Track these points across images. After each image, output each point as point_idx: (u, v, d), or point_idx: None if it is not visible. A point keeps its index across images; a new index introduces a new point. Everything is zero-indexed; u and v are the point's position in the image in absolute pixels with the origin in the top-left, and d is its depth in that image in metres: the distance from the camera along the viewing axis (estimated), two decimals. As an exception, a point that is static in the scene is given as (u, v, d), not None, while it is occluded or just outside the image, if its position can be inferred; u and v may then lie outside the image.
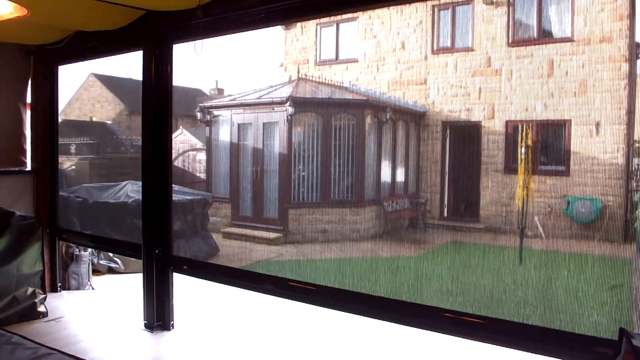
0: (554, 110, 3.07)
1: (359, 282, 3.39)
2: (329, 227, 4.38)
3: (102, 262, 6.02)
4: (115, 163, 6.56)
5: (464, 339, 2.94)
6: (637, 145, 2.84)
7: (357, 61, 4.18)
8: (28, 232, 4.41)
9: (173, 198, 4.33)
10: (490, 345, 2.85)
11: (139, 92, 4.30)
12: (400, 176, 4.18)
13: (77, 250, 5.39)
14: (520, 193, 3.22)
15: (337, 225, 4.37)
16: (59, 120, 5.32)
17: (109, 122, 7.21)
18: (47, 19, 4.07)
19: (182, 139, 5.82)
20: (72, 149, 6.17)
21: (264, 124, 4.88)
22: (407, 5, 3.66)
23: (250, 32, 3.95)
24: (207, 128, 5.35)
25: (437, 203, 3.85)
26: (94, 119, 7.47)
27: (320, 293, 3.43)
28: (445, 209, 3.87)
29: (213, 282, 4.26)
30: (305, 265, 4.22)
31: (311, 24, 4.55)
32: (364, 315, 3.30)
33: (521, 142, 3.33)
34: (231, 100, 5.33)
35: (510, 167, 3.44)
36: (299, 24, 4.61)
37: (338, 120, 4.39)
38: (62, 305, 4.81)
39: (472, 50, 3.53)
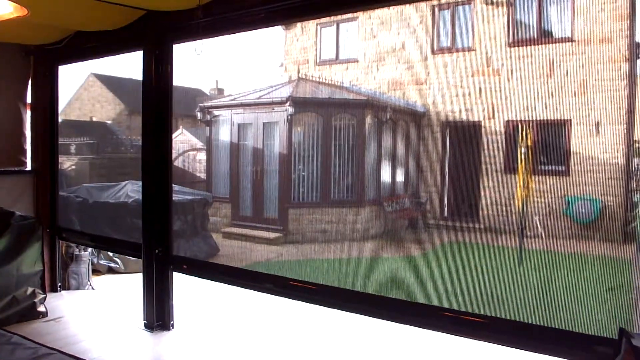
0: (554, 110, 3.07)
1: (359, 281, 3.40)
2: (329, 227, 4.38)
3: (102, 262, 6.02)
4: (115, 163, 6.56)
5: (464, 338, 2.94)
6: (637, 145, 2.84)
7: (357, 61, 4.18)
8: (28, 232, 4.41)
9: (173, 198, 4.33)
10: (490, 344, 2.85)
11: (139, 92, 4.30)
12: (400, 176, 4.18)
13: (77, 250, 5.39)
14: (520, 193, 3.22)
15: (337, 225, 4.37)
16: (59, 120, 5.32)
17: (109, 122, 7.21)
18: (47, 19, 4.07)
19: (182, 139, 5.81)
20: (72, 149, 6.17)
21: (264, 123, 4.88)
22: (407, 5, 3.67)
23: (250, 32, 3.95)
24: (207, 128, 5.35)
25: (437, 203, 3.85)
26: (94, 119, 7.47)
27: (320, 292, 3.43)
28: (445, 209, 3.88)
29: (213, 282, 4.26)
30: (305, 265, 4.22)
31: (311, 24, 4.55)
32: (364, 314, 3.30)
33: (521, 142, 3.33)
34: (231, 100, 5.33)
35: (510, 167, 3.44)
36: (299, 24, 4.61)
37: (338, 120, 4.39)
38: (61, 305, 4.81)
39: (472, 50, 3.54)
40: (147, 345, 4.02)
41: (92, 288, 5.41)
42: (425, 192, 3.92)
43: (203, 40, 3.87)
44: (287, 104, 4.68)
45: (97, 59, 5.12)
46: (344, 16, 4.10)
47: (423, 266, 3.36)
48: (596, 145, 2.97)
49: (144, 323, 4.23)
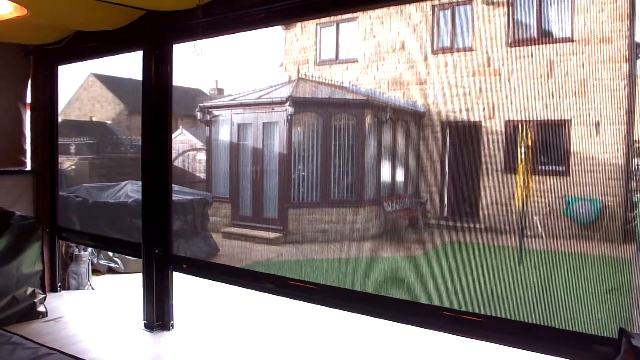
0: (554, 110, 3.07)
1: (359, 280, 3.40)
2: (329, 227, 4.39)
3: (101, 262, 6.02)
4: (115, 163, 6.56)
5: (464, 338, 2.94)
6: (637, 145, 2.85)
7: (357, 61, 4.18)
8: (28, 232, 4.41)
9: (173, 198, 4.33)
10: (489, 343, 2.85)
11: (139, 92, 4.30)
12: (400, 176, 4.18)
13: (77, 250, 5.39)
14: (520, 193, 3.22)
15: (337, 225, 4.37)
16: (59, 120, 5.32)
17: (108, 122, 7.21)
18: (47, 19, 4.07)
19: (182, 139, 5.81)
20: (72, 149, 6.17)
21: (263, 123, 4.88)
22: (407, 5, 3.67)
23: (250, 32, 3.95)
24: (207, 128, 5.35)
25: (437, 203, 3.85)
26: (94, 119, 7.47)
27: (319, 291, 3.43)
28: (445, 209, 3.88)
29: (213, 281, 4.26)
30: (305, 265, 4.22)
31: (311, 24, 4.55)
32: (364, 314, 3.30)
33: (521, 142, 3.34)
34: (231, 100, 5.33)
35: (510, 167, 3.44)
36: (299, 24, 4.62)
37: (338, 120, 4.39)
38: (61, 305, 4.81)
39: (472, 50, 3.54)
40: (147, 345, 4.02)
41: (92, 288, 5.41)
42: (425, 192, 3.93)
43: (203, 40, 3.87)
44: (287, 104, 4.68)
45: (97, 59, 5.12)
46: (344, 16, 4.10)
47: (423, 266, 3.36)
48: (596, 145, 2.97)
49: (144, 323, 4.23)
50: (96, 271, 5.85)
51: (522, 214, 3.13)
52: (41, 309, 4.45)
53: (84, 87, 7.28)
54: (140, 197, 4.55)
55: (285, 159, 4.67)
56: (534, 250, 3.03)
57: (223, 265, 4.30)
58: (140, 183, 4.45)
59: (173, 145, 4.36)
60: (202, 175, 5.72)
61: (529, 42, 3.34)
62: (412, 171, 4.11)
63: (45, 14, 3.80)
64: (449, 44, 3.69)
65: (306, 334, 4.22)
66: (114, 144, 6.88)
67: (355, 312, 3.35)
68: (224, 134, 5.21)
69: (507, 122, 3.42)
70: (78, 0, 3.65)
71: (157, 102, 4.19)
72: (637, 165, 2.90)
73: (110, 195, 5.63)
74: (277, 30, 4.71)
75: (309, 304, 3.67)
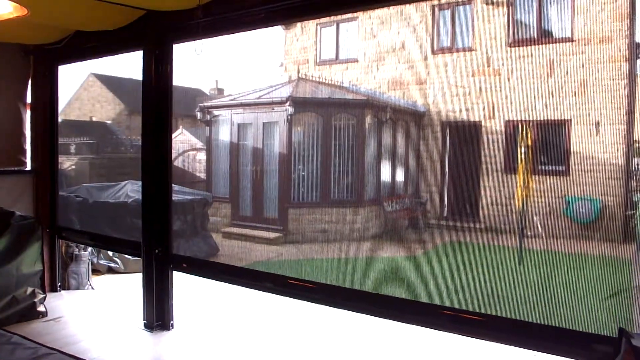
0: (554, 109, 3.07)
1: (359, 280, 3.40)
2: (329, 227, 4.39)
3: (101, 261, 6.02)
4: (115, 163, 6.57)
5: (463, 336, 2.94)
6: (637, 145, 2.85)
7: (357, 61, 4.19)
8: (28, 232, 4.41)
9: (173, 198, 4.33)
10: (489, 342, 2.85)
11: (139, 92, 4.30)
12: (400, 176, 4.18)
13: (77, 250, 5.38)
14: (520, 193, 3.22)
15: (336, 225, 4.37)
16: (59, 120, 5.32)
17: (108, 122, 7.21)
18: (47, 19, 4.07)
19: (182, 139, 5.82)
20: (72, 148, 6.17)
21: (263, 123, 4.88)
22: (407, 5, 3.67)
23: (250, 32, 3.95)
24: (207, 128, 5.35)
25: (437, 203, 3.86)
26: (94, 119, 7.48)
27: (319, 291, 3.43)
28: (445, 209, 3.88)
29: (212, 280, 4.26)
30: (305, 264, 4.22)
31: (311, 24, 4.55)
32: (364, 313, 3.29)
33: (521, 141, 3.34)
34: (231, 100, 5.34)
35: (510, 167, 3.44)
36: (299, 24, 4.62)
37: (338, 120, 4.40)
38: (61, 305, 4.80)
39: (472, 50, 3.54)
40: (146, 345, 4.02)
41: (92, 288, 5.40)
42: (425, 191, 3.93)
43: (203, 40, 3.87)
44: (287, 103, 4.68)
45: (97, 59, 5.12)
46: (344, 16, 4.10)
47: (423, 265, 3.36)
48: (596, 145, 2.97)
49: (144, 323, 4.22)
50: (96, 271, 5.85)
51: (522, 214, 3.14)
52: (41, 308, 4.45)
53: (84, 87, 7.29)
54: (140, 197, 4.55)
55: (285, 158, 4.68)
56: (533, 250, 3.03)
57: (223, 265, 4.30)
58: (140, 183, 4.45)
59: (173, 145, 4.36)
60: (202, 175, 5.72)
61: (529, 42, 3.34)
62: (412, 171, 4.11)
63: (46, 13, 3.80)
64: (449, 43, 3.69)
65: (306, 333, 4.22)
66: (114, 143, 6.88)
67: (355, 311, 3.35)
68: (224, 134, 5.21)
69: (507, 121, 3.42)
70: (78, 0, 3.66)
71: (157, 102, 4.19)
72: (637, 165, 2.90)
73: (110, 195, 5.63)
74: (277, 30, 4.72)
75: (308, 303, 3.66)
